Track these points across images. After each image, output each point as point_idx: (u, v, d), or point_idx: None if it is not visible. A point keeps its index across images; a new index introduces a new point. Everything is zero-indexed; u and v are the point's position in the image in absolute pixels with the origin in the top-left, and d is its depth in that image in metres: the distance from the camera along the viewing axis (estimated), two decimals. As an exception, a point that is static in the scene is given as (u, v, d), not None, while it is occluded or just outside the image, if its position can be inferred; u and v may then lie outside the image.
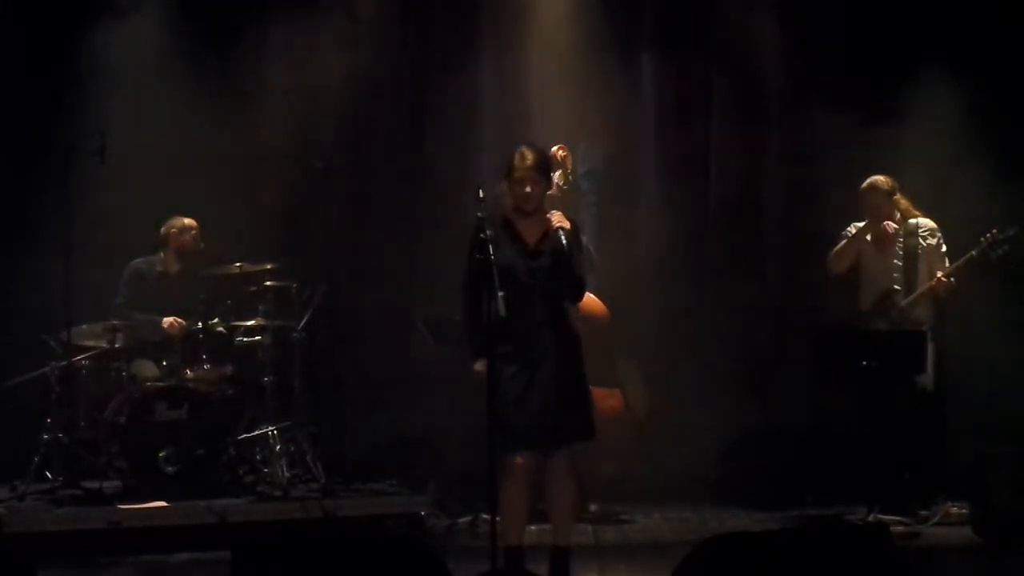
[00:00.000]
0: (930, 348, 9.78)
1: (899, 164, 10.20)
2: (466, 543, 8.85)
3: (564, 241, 7.36)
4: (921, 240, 9.98)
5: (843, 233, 10.07)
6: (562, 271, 7.41)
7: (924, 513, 9.71)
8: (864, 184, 9.96)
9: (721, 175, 11.39)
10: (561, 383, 7.43)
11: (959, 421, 10.22)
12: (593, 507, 9.75)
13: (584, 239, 9.34)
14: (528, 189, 7.44)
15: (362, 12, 10.91)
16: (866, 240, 10.01)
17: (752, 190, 11.37)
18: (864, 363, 9.35)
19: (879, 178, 9.94)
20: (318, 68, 10.77)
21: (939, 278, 9.80)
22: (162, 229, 10.28)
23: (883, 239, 9.95)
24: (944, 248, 9.98)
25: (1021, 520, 9.15)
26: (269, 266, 9.98)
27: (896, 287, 9.95)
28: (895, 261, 9.98)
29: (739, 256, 11.27)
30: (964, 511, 9.70)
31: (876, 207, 9.94)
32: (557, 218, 7.45)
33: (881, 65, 10.64)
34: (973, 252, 9.74)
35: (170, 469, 9.34)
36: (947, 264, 9.90)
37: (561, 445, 7.46)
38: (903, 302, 9.90)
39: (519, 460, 7.34)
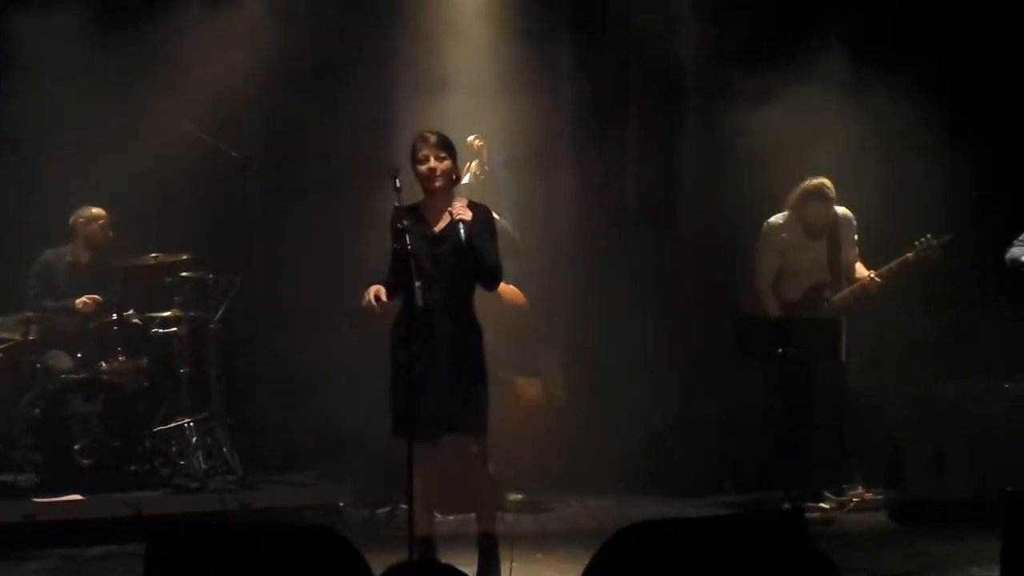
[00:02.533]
0: (850, 337, 9.91)
1: (816, 155, 10.27)
2: (385, 533, 8.82)
3: (463, 233, 7.34)
4: (843, 232, 10.11)
5: (763, 244, 10.20)
6: (464, 260, 7.40)
7: (840, 499, 9.82)
8: (811, 186, 10.01)
9: (639, 164, 11.44)
10: (457, 372, 7.40)
11: (875, 409, 10.30)
12: (513, 496, 9.76)
13: (509, 226, 9.36)
14: (432, 164, 7.43)
15: (278, 1, 10.85)
16: (789, 233, 10.13)
17: (671, 178, 11.43)
18: (781, 350, 9.43)
19: (825, 186, 10.02)
20: (234, 57, 10.68)
21: (872, 277, 9.95)
22: (71, 219, 10.20)
23: (815, 230, 10.06)
24: (856, 236, 10.12)
25: (935, 505, 9.27)
26: (185, 257, 9.92)
27: (824, 282, 10.06)
28: (823, 257, 10.09)
29: (658, 244, 11.33)
30: (879, 497, 9.81)
31: (823, 214, 10.04)
32: (458, 208, 7.44)
33: (799, 57, 10.67)
34: (909, 255, 9.86)
35: (85, 462, 9.28)
36: (856, 250, 10.07)
37: (463, 435, 7.43)
38: (836, 296, 10.00)
39: (420, 450, 7.33)
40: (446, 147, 7.53)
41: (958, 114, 10.47)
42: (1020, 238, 8.22)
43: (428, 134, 7.53)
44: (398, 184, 7.25)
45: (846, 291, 10.00)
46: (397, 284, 7.30)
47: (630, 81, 11.40)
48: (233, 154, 9.90)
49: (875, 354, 10.25)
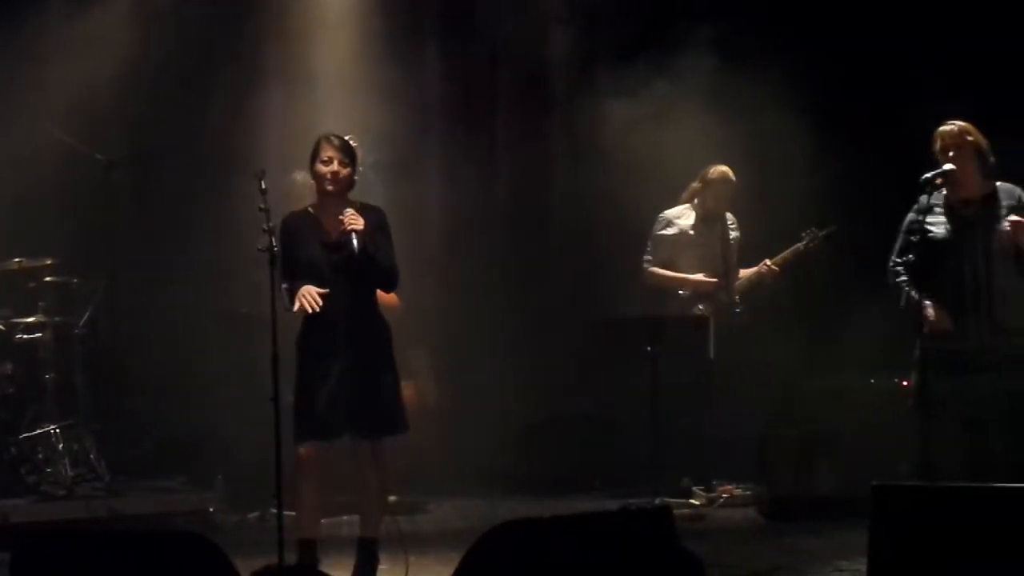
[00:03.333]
0: (728, 331, 10.05)
1: (686, 155, 10.38)
2: (256, 537, 8.77)
3: (355, 244, 7.33)
4: (732, 231, 10.37)
5: (659, 234, 10.32)
6: (362, 266, 7.38)
7: (709, 495, 9.92)
8: (716, 172, 10.26)
9: (508, 166, 11.48)
10: (367, 375, 7.41)
11: (744, 405, 10.41)
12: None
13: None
14: (336, 168, 7.42)
15: (143, 0, 10.73)
16: (685, 223, 10.33)
17: (540, 179, 11.48)
18: (649, 348, 9.50)
19: (729, 171, 10.24)
20: (99, 58, 10.55)
21: (768, 266, 10.33)
22: (-71, 225, 10.03)
23: (712, 219, 10.30)
24: (737, 235, 10.46)
25: (802, 500, 9.39)
26: (49, 261, 9.77)
27: (719, 271, 10.29)
28: (715, 249, 10.33)
29: (527, 245, 11.38)
30: (748, 493, 9.92)
31: (725, 198, 10.32)
32: (349, 217, 7.40)
33: (668, 58, 10.74)
34: (799, 245, 10.30)
35: (-50, 470, 9.13)
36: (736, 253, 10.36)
37: (371, 437, 7.45)
38: (737, 284, 10.30)
39: (313, 453, 7.32)
40: (350, 154, 7.53)
41: (823, 114, 10.61)
42: (898, 258, 8.26)
43: (334, 137, 7.52)
44: (263, 186, 7.20)
45: (743, 279, 10.27)
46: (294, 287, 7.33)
47: (499, 82, 11.44)
48: (98, 156, 9.80)
49: (748, 351, 10.38)
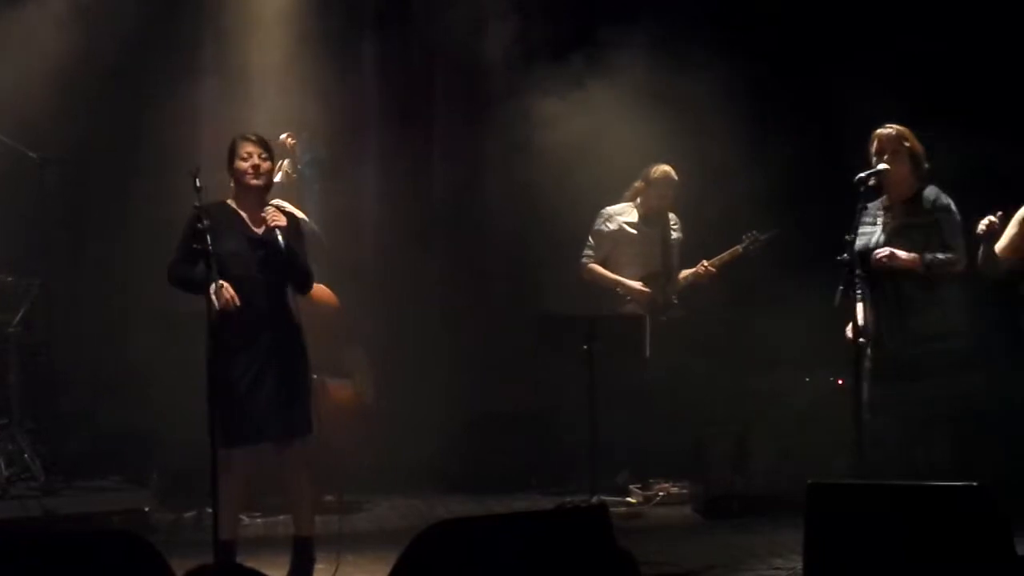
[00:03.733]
0: (663, 332, 10.10)
1: (623, 153, 10.40)
2: (191, 537, 8.74)
3: (280, 239, 7.32)
4: (673, 231, 10.45)
5: (599, 229, 10.35)
6: (282, 264, 7.37)
7: (646, 493, 9.95)
8: (658, 171, 10.33)
9: (446, 163, 11.49)
10: (288, 376, 7.41)
11: (680, 403, 10.44)
12: (324, 497, 9.73)
13: (314, 225, 9.33)
14: (256, 161, 7.44)
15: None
16: (625, 221, 10.39)
17: (477, 177, 11.47)
18: (585, 347, 9.52)
19: (671, 170, 10.30)
20: (33, 55, 10.46)
21: (706, 267, 10.37)
22: None
23: (653, 217, 10.36)
24: (680, 236, 10.56)
25: (738, 498, 9.44)
26: (-19, 259, 9.71)
27: (658, 270, 10.38)
28: (656, 248, 10.39)
29: (464, 243, 11.37)
30: (685, 491, 9.96)
31: (666, 196, 10.40)
32: (272, 214, 7.41)
33: (605, 55, 10.75)
34: (739, 247, 10.33)
35: None
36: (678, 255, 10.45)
37: (289, 438, 7.43)
38: (676, 284, 10.35)
39: (238, 454, 7.30)
40: (268, 149, 7.57)
41: (761, 114, 10.67)
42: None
43: (251, 135, 7.56)
44: (198, 183, 7.18)
45: (682, 279, 10.32)
46: (188, 279, 7.36)
47: (435, 80, 11.43)
48: (31, 154, 9.72)
49: (681, 349, 10.42)
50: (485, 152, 11.41)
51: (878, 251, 7.83)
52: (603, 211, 10.48)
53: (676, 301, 10.43)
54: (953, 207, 7.94)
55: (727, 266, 10.42)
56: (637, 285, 10.32)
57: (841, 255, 7.66)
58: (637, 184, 10.43)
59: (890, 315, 7.93)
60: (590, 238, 10.48)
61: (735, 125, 10.42)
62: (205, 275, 7.12)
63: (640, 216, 10.42)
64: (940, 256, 7.81)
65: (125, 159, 10.80)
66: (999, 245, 7.77)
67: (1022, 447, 8.58)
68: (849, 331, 7.71)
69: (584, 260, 10.47)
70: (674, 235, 10.50)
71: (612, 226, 10.43)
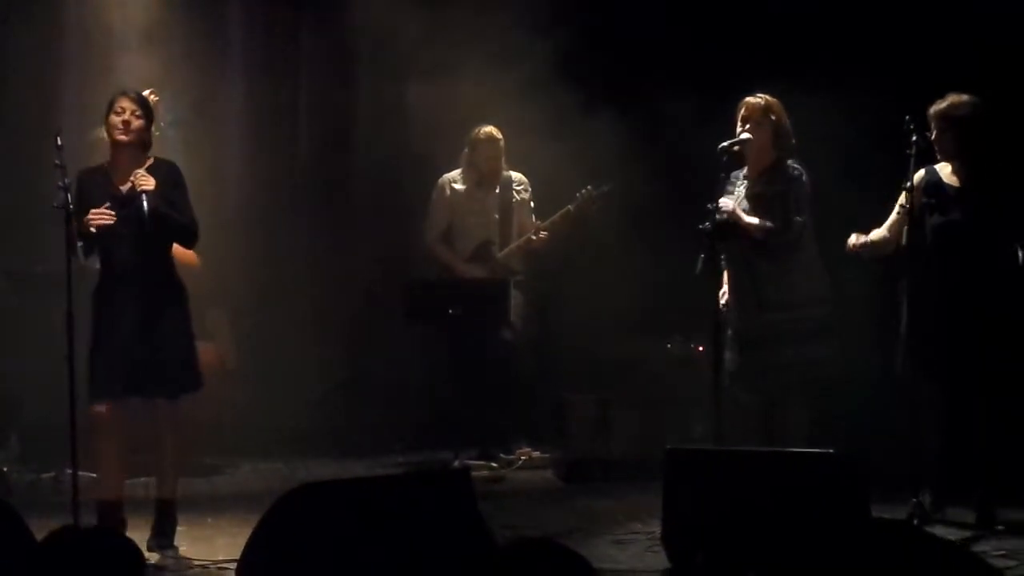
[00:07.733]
0: (520, 299, 10.07)
1: (484, 117, 10.34)
2: (50, 499, 8.64)
3: (145, 205, 7.24)
4: (515, 194, 10.25)
5: (435, 199, 10.29)
6: (152, 227, 7.29)
7: (508, 458, 10.00)
8: (481, 133, 10.11)
9: (311, 126, 11.40)
10: (159, 332, 7.37)
11: (543, 368, 10.49)
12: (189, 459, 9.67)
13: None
14: (127, 117, 7.38)
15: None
16: (461, 187, 10.23)
17: (342, 142, 11.41)
18: (451, 311, 9.51)
19: (495, 130, 10.12)
20: None
21: (535, 232, 10.09)
22: None
23: (486, 181, 10.18)
24: (532, 203, 10.28)
25: (599, 463, 9.51)
26: None
27: (492, 239, 10.20)
28: (493, 214, 10.22)
29: (328, 206, 11.31)
30: (547, 456, 10.02)
31: (493, 157, 10.14)
32: (140, 177, 7.32)
33: (467, 21, 10.68)
34: (570, 207, 10.04)
35: None
36: (533, 217, 10.21)
37: (163, 395, 7.41)
38: (500, 254, 10.15)
39: (108, 410, 7.24)
40: (145, 107, 7.51)
41: (608, 72, 10.63)
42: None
43: (130, 91, 7.54)
44: (60, 143, 7.13)
45: (511, 248, 10.17)
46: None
47: (302, 41, 11.34)
48: None
49: (544, 313, 10.46)
50: (353, 114, 11.34)
51: (723, 208, 7.91)
52: (440, 180, 10.29)
53: (519, 268, 10.26)
54: (804, 178, 8.05)
55: (559, 228, 10.13)
56: (465, 268, 10.22)
57: (703, 224, 7.74)
58: (465, 150, 10.27)
59: (743, 284, 8.08)
60: (429, 210, 10.38)
61: (580, 85, 10.26)
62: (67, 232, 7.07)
63: (472, 181, 10.21)
64: (768, 224, 7.93)
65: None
66: (880, 233, 7.89)
67: (875, 414, 8.72)
68: (723, 299, 7.83)
69: (426, 237, 10.35)
70: (517, 197, 10.26)
71: (447, 193, 10.27)
